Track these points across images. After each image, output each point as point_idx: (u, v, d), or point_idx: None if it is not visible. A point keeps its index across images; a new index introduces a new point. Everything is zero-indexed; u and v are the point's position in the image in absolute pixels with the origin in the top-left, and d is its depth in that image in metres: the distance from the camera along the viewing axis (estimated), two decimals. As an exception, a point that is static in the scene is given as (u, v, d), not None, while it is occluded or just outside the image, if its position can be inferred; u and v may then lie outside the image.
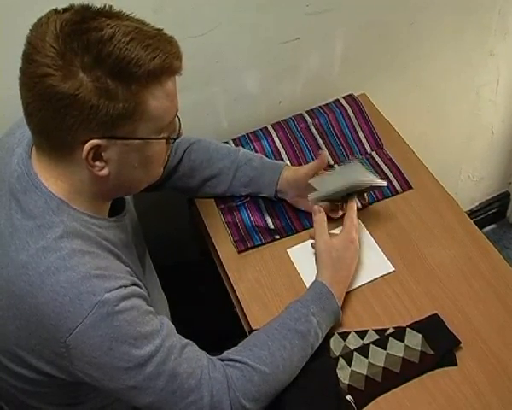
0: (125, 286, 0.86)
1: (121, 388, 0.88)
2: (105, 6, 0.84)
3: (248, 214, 1.28)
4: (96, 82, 0.79)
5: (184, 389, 0.90)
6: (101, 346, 0.84)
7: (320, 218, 1.14)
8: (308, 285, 1.12)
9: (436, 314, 1.09)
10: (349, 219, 1.15)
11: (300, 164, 1.37)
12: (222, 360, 0.96)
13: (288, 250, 1.22)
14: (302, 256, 1.21)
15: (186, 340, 0.94)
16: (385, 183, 1.20)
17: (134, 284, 0.89)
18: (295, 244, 1.23)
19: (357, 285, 1.15)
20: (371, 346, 1.06)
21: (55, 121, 0.81)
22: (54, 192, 0.87)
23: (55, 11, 0.83)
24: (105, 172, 0.87)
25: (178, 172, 1.25)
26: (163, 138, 0.89)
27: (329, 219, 1.19)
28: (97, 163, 0.85)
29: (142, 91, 0.82)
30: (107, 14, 0.83)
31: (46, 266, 0.83)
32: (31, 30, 0.82)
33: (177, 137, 0.94)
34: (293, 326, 1.01)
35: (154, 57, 0.81)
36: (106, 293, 0.83)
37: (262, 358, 0.96)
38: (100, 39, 0.79)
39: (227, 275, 1.21)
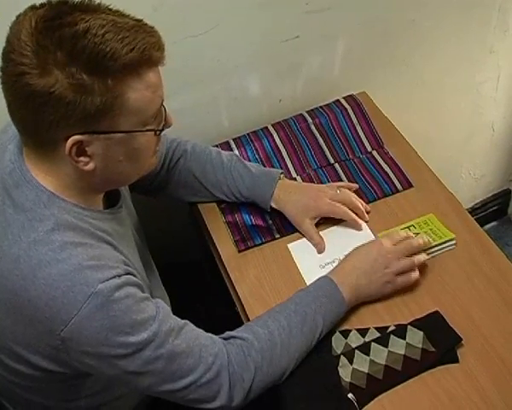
0: (119, 275, 0.86)
1: (120, 373, 0.88)
2: (84, 0, 0.82)
3: (249, 214, 1.28)
4: (70, 78, 0.78)
5: (183, 369, 0.91)
6: (98, 337, 0.84)
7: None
8: (307, 280, 1.14)
9: (437, 311, 1.09)
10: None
11: (301, 163, 1.37)
12: (224, 338, 0.98)
13: (289, 245, 1.23)
14: (302, 251, 1.21)
15: (183, 321, 0.94)
16: None
17: (128, 273, 0.89)
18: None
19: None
20: (372, 344, 1.05)
21: (35, 119, 0.81)
22: (45, 186, 0.87)
23: (32, 7, 0.82)
24: (90, 166, 0.86)
25: (170, 185, 1.25)
26: (147, 130, 0.88)
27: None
28: (82, 158, 0.85)
29: (119, 85, 0.81)
30: (84, 7, 0.81)
31: (38, 260, 0.83)
32: (10, 28, 0.82)
33: (163, 129, 0.92)
34: (293, 309, 1.02)
35: (132, 49, 0.80)
36: (99, 284, 0.83)
37: (261, 335, 0.98)
38: (74, 34, 0.78)
39: (228, 274, 1.21)
